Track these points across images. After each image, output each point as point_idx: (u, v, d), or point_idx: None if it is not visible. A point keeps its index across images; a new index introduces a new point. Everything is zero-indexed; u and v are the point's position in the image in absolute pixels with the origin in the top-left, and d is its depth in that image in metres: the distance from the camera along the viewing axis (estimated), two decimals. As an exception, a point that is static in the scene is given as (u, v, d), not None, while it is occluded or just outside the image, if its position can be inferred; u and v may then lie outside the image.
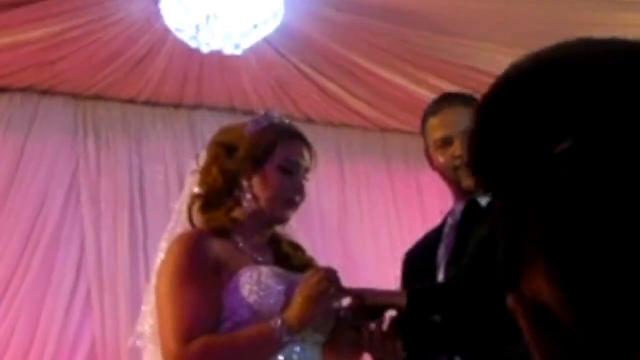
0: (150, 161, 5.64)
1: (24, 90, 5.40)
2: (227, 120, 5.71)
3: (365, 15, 4.87)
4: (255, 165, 2.75)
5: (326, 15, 4.83)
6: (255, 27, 4.36)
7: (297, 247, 2.93)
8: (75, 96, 5.52)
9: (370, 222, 6.11)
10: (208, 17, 4.27)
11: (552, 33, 4.94)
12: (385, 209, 6.10)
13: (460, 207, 3.00)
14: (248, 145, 2.77)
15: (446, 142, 2.96)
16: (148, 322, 2.75)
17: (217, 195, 2.77)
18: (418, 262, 3.07)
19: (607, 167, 0.72)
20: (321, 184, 5.54)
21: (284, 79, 5.48)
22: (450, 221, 3.05)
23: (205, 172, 2.80)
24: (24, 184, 5.26)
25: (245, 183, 2.75)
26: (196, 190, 2.81)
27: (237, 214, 2.76)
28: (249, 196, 2.75)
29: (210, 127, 5.69)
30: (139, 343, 2.81)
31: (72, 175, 5.43)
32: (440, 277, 2.91)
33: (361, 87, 5.62)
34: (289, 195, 2.76)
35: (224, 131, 2.91)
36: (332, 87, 5.61)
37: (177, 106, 5.79)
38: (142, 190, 5.57)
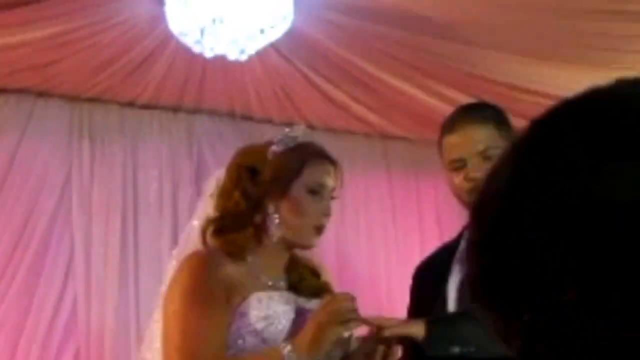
0: (145, 166, 5.59)
1: (19, 91, 5.34)
2: (226, 126, 5.72)
3: (374, 21, 4.83)
4: (282, 188, 2.72)
5: (334, 20, 4.80)
6: (262, 31, 4.28)
7: (313, 272, 2.90)
8: (72, 98, 5.46)
9: (366, 231, 6.10)
10: (214, 21, 4.19)
11: (564, 42, 4.96)
12: (382, 217, 6.10)
13: None
14: (274, 167, 2.74)
15: (460, 164, 2.85)
16: (155, 346, 2.75)
17: (237, 218, 2.73)
18: (428, 277, 3.01)
19: (612, 324, 0.73)
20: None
21: (287, 83, 5.44)
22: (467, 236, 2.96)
23: (225, 195, 2.76)
24: (15, 187, 5.22)
25: (271, 207, 2.72)
26: (210, 212, 2.79)
27: (259, 238, 2.74)
28: (277, 221, 2.72)
29: (208, 132, 5.70)
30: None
31: (65, 179, 5.39)
32: (452, 294, 2.83)
33: (365, 93, 5.60)
34: (319, 220, 2.74)
35: (245, 152, 2.86)
36: (335, 92, 5.58)
37: (176, 110, 5.74)
38: (135, 196, 5.53)
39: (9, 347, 5.03)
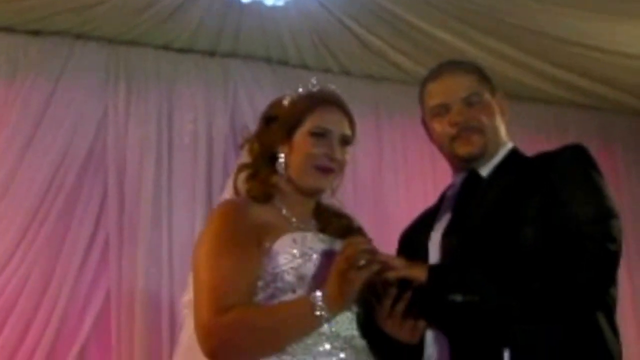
0: (180, 109, 5.74)
1: (58, 33, 5.52)
2: (262, 71, 5.83)
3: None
4: (287, 132, 2.86)
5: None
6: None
7: (342, 216, 3.01)
8: (109, 41, 5.65)
9: (405, 177, 6.19)
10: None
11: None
12: (420, 164, 6.16)
13: (459, 179, 3.03)
14: (283, 113, 2.89)
15: (443, 109, 2.97)
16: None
17: (258, 165, 2.91)
18: (412, 238, 3.09)
19: None
20: (356, 138, 5.58)
21: (324, 30, 5.59)
22: (449, 193, 3.09)
23: (250, 144, 2.96)
24: (51, 127, 5.38)
25: (279, 152, 2.87)
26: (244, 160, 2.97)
27: (274, 180, 2.88)
28: (282, 164, 2.86)
29: (243, 76, 5.83)
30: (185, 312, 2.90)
31: (100, 121, 5.55)
32: (434, 248, 2.91)
33: (404, 40, 5.73)
34: (318, 161, 2.83)
35: (269, 105, 3.00)
36: (373, 39, 5.72)
37: (212, 54, 5.90)
38: (170, 138, 5.68)
39: (40, 287, 5.19)
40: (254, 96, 5.77)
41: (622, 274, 5.97)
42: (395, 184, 6.16)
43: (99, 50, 5.60)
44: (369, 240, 2.64)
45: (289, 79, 5.77)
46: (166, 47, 5.77)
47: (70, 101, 5.45)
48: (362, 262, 2.53)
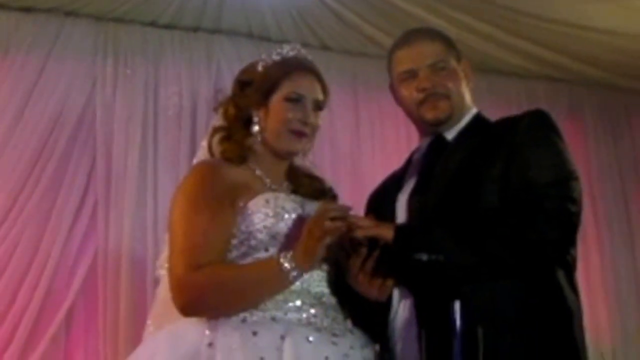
0: (166, 83, 5.93)
1: (49, 10, 5.71)
2: (244, 46, 6.01)
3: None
4: (263, 97, 2.96)
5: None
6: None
7: (314, 178, 3.15)
8: (98, 18, 5.83)
9: (381, 151, 6.33)
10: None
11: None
12: (397, 138, 6.30)
13: (425, 143, 3.12)
14: (258, 78, 2.99)
15: (410, 75, 3.04)
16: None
17: (233, 128, 3.01)
18: (381, 199, 3.19)
19: None
20: (334, 111, 5.77)
21: (303, 6, 5.79)
22: (416, 156, 3.18)
23: (224, 107, 3.06)
24: (43, 99, 5.56)
25: (255, 116, 2.98)
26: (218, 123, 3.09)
27: (249, 143, 2.99)
28: (257, 128, 2.98)
29: (227, 51, 6.01)
30: (161, 271, 2.94)
31: (89, 93, 5.73)
32: (402, 209, 3.00)
33: (379, 16, 5.91)
34: (293, 125, 2.95)
35: (243, 68, 3.13)
36: (350, 15, 5.91)
37: (196, 30, 6.09)
38: (156, 111, 5.86)
39: (32, 248, 5.36)
40: (236, 70, 5.75)
41: (591, 239, 6.21)
42: (371, 150, 6.31)
43: (88, 27, 5.78)
44: (346, 206, 2.73)
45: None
46: (152, 24, 5.93)
47: (61, 74, 5.62)
48: (328, 222, 2.64)
